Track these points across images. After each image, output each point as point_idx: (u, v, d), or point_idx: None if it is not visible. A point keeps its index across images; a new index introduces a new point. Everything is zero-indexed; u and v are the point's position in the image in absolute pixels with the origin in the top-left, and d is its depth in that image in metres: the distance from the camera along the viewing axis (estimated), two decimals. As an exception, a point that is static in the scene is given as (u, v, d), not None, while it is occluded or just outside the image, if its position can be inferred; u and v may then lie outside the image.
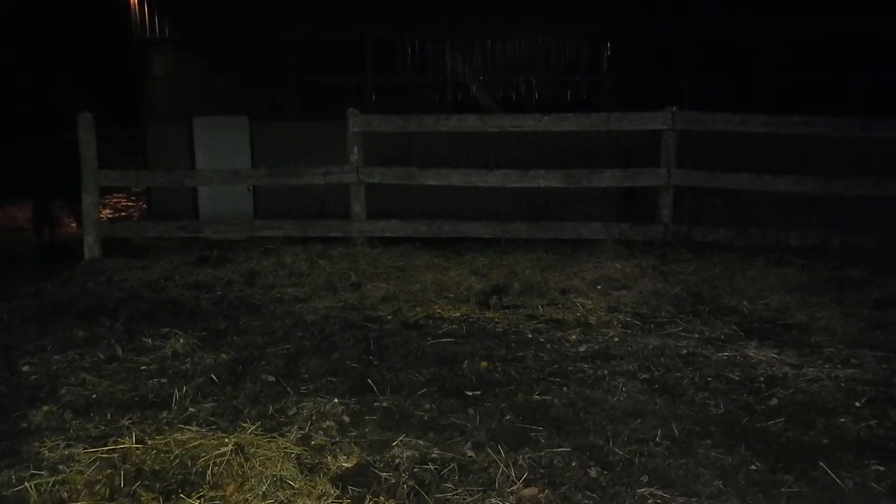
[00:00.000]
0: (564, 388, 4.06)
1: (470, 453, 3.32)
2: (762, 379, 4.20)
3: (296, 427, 3.55)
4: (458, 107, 11.50)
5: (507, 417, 3.69)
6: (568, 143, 9.26)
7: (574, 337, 4.92)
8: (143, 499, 2.96)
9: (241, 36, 11.62)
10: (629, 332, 5.04)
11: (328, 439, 3.44)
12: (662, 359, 4.52)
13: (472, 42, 11.71)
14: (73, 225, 10.46)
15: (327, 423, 3.61)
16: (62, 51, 19.77)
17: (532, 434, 3.51)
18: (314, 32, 11.57)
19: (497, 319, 5.32)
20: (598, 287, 6.13)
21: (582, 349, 4.72)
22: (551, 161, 8.01)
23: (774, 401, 3.91)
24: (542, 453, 3.31)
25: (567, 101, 11.79)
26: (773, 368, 4.35)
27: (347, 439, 3.44)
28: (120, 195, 14.89)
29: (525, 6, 11.47)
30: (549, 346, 4.77)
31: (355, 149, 7.79)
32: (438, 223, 7.87)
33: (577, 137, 8.59)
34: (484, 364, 4.41)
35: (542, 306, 5.64)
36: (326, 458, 3.27)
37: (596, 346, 4.75)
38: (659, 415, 3.73)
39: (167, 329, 5.06)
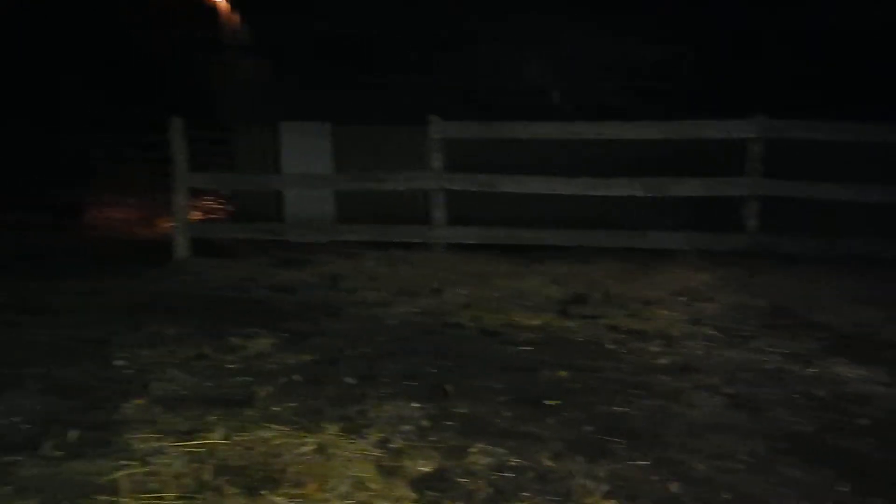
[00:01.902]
0: (645, 401, 4.00)
1: (548, 462, 3.30)
2: (851, 397, 4.07)
3: (375, 430, 3.59)
4: (537, 113, 11.45)
5: (586, 428, 3.66)
6: (650, 151, 9.11)
7: (655, 348, 4.85)
8: (227, 493, 3.04)
9: (324, 40, 11.82)
10: (712, 345, 4.94)
11: (407, 443, 3.47)
12: (746, 373, 4.41)
13: (552, 46, 11.65)
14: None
15: (406, 426, 3.64)
16: (152, 55, 20.48)
17: (611, 446, 3.47)
18: (397, 35, 11.68)
19: (576, 329, 5.29)
20: (681, 298, 6.03)
21: (663, 361, 4.65)
22: (632, 169, 7.90)
23: (864, 420, 3.78)
24: (620, 465, 3.27)
25: (649, 107, 11.60)
26: (863, 387, 4.20)
27: (426, 444, 3.46)
28: (208, 198, 15.31)
29: (608, 11, 11.34)
30: (629, 357, 4.72)
31: (436, 155, 7.85)
32: (518, 230, 7.86)
33: (660, 145, 8.45)
34: (563, 373, 4.39)
35: (622, 316, 5.58)
36: (405, 461, 3.30)
37: (678, 359, 4.67)
38: (742, 431, 3.65)
39: (252, 329, 5.19)
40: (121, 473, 3.16)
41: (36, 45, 15.41)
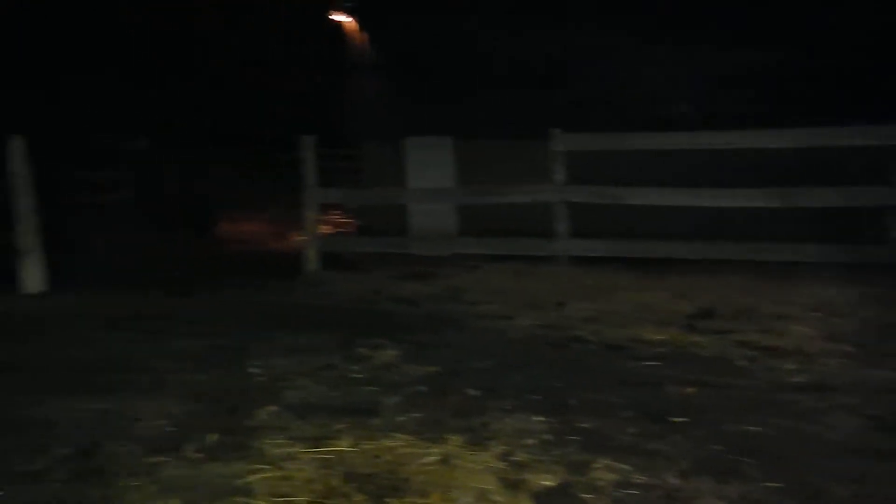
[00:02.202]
0: (778, 420, 3.85)
1: (674, 481, 3.22)
2: None
3: (498, 442, 3.61)
4: (661, 123, 11.23)
5: (716, 447, 3.56)
6: (780, 160, 8.77)
7: (789, 366, 4.66)
8: (354, 499, 3.12)
9: (446, 56, 12.00)
10: (851, 363, 4.70)
11: (530, 456, 3.47)
12: (888, 394, 4.17)
13: (677, 55, 11.41)
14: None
15: (529, 440, 3.64)
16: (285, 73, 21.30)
17: (741, 466, 3.36)
18: (517, 50, 11.73)
19: (704, 344, 5.14)
20: (815, 313, 5.77)
21: (798, 379, 4.45)
22: (762, 179, 7.62)
23: None
24: (752, 487, 3.16)
25: (780, 115, 11.16)
26: None
27: (549, 458, 3.45)
28: (337, 212, 15.81)
29: (738, 17, 11.01)
30: (761, 374, 4.55)
31: (558, 168, 7.83)
32: (642, 243, 7.73)
33: (792, 154, 8.13)
34: (690, 390, 4.28)
35: (753, 332, 5.39)
36: (528, 475, 3.30)
37: (813, 377, 4.47)
38: (882, 453, 3.45)
39: (378, 340, 5.32)
40: (255, 477, 3.31)
41: (176, 66, 16.30)
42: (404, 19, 12.23)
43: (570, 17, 11.31)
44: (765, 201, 7.35)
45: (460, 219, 11.62)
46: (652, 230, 8.26)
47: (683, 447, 3.55)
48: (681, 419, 3.87)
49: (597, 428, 3.79)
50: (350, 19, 12.66)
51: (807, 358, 4.82)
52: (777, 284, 6.58)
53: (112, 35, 15.56)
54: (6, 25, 14.30)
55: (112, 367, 4.94)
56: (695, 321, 5.72)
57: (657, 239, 7.79)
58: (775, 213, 7.69)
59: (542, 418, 3.88)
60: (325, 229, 13.47)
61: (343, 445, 3.59)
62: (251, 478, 3.31)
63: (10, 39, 14.05)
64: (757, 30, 10.81)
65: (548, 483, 3.23)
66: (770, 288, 6.49)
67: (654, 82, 11.25)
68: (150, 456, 3.55)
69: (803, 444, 3.56)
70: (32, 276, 7.30)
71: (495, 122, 11.72)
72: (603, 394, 4.26)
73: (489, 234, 8.87)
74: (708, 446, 3.56)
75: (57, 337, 5.72)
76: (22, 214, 7.36)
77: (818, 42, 10.60)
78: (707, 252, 7.52)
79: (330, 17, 12.87)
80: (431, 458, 3.41)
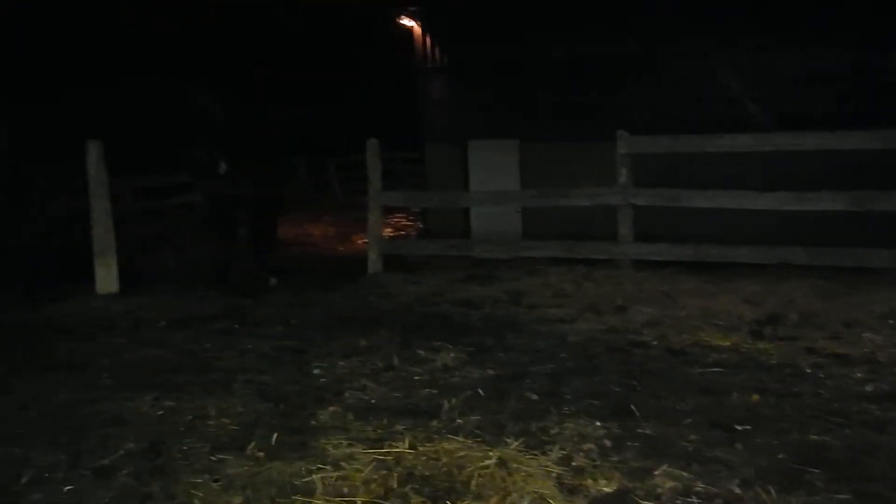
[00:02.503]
0: (846, 430, 3.74)
1: (737, 490, 3.16)
2: None
3: (557, 447, 3.59)
4: (727, 125, 11.02)
5: (780, 456, 3.48)
6: (851, 162, 8.51)
7: (859, 374, 4.52)
8: (412, 501, 3.15)
9: (510, 59, 11.99)
10: (926, 372, 4.54)
11: (588, 462, 3.45)
12: (966, 405, 4.02)
13: (744, 55, 11.17)
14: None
15: (588, 445, 3.62)
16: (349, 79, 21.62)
17: (807, 476, 3.28)
18: (581, 52, 11.65)
19: (770, 351, 5.03)
20: (890, 321, 5.58)
21: (868, 388, 4.32)
22: (831, 182, 7.39)
23: None
24: (818, 498, 3.08)
25: (851, 114, 10.83)
26: None
27: (608, 463, 3.43)
28: (400, 215, 15.93)
29: (807, 15, 10.74)
30: (829, 382, 4.43)
31: (623, 170, 7.75)
32: (706, 247, 7.59)
33: (863, 156, 7.87)
34: (755, 397, 4.19)
35: (821, 339, 5.24)
36: (586, 480, 3.28)
37: (885, 387, 4.33)
38: (960, 468, 3.33)
39: (438, 342, 5.35)
40: (316, 476, 3.37)
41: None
42: (469, 23, 12.26)
43: (636, 19, 11.19)
44: (835, 205, 7.12)
45: (523, 221, 11.59)
46: (720, 235, 8.10)
47: (746, 455, 3.48)
48: (744, 427, 3.80)
49: (657, 434, 3.74)
50: (415, 24, 12.73)
51: (877, 366, 4.67)
52: (849, 291, 6.38)
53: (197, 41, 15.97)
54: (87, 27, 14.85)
55: (179, 367, 5.08)
56: (761, 327, 5.60)
57: (725, 244, 7.63)
58: (850, 217, 7.46)
59: (602, 423, 3.85)
60: (389, 231, 13.61)
61: (402, 447, 3.63)
62: (311, 477, 3.37)
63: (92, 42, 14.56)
64: (836, 29, 10.53)
65: (606, 489, 3.21)
66: (841, 294, 6.30)
67: (727, 83, 11.03)
68: (214, 454, 3.64)
69: (873, 455, 3.46)
70: (106, 277, 7.55)
71: (561, 125, 11.66)
72: (664, 399, 4.20)
73: (552, 236, 8.83)
74: (772, 455, 3.48)
75: (127, 336, 5.91)
76: (96, 217, 7.62)
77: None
78: (776, 257, 7.33)
79: (396, 21, 12.97)
80: (489, 462, 3.42)
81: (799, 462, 3.40)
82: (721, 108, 10.99)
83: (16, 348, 5.64)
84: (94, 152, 7.53)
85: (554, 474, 3.33)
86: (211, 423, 4.04)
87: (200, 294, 7.36)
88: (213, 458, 3.60)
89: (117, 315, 6.60)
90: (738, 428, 3.79)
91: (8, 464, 3.58)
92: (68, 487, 3.36)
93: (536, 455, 3.51)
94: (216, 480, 3.38)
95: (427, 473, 3.38)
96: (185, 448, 3.72)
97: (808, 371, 4.63)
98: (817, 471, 3.31)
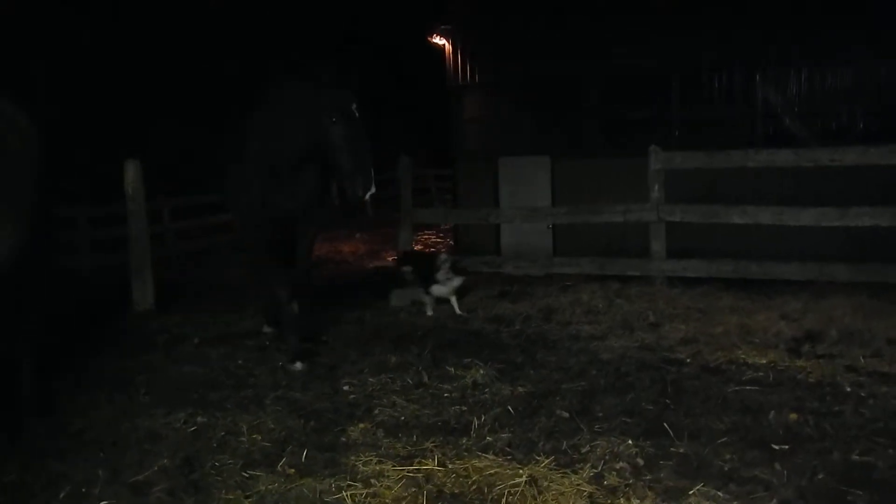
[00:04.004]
0: (890, 450, 3.64)
1: (775, 511, 3.09)
2: None
3: (589, 465, 3.54)
4: (768, 140, 10.87)
5: (820, 476, 3.39)
6: (892, 178, 8.32)
7: (902, 393, 4.41)
8: (443, 520, 3.12)
9: (543, 76, 11.97)
10: (971, 391, 4.41)
11: (621, 481, 3.39)
12: None
13: (785, 71, 11.04)
14: None
15: (620, 464, 3.56)
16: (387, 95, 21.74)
17: (849, 497, 3.19)
18: (616, 68, 11.60)
19: (809, 369, 4.93)
20: (933, 338, 5.45)
21: (911, 407, 4.21)
22: (874, 197, 7.23)
23: None
24: (859, 520, 3.00)
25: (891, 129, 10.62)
26: None
27: (641, 483, 3.37)
28: (430, 231, 15.91)
29: (849, 32, 10.59)
30: (871, 401, 4.32)
31: (656, 186, 7.67)
32: (744, 263, 7.46)
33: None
34: (793, 416, 4.10)
35: (863, 357, 5.13)
36: (619, 499, 3.23)
37: (929, 406, 4.22)
38: None
39: (468, 359, 5.31)
40: (346, 493, 3.35)
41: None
42: (500, 41, 12.28)
43: (669, 33, 11.12)
44: (879, 220, 6.94)
45: (554, 237, 11.53)
46: (757, 251, 7.96)
47: (785, 476, 3.40)
48: (782, 446, 3.72)
49: (692, 453, 3.67)
50: (447, 42, 12.77)
51: (921, 385, 4.55)
52: (893, 308, 6.25)
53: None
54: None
55: (214, 383, 5.10)
56: (799, 344, 5.49)
57: (762, 260, 7.49)
58: (893, 232, 7.29)
59: (635, 441, 3.79)
60: (420, 248, 13.60)
61: (432, 464, 3.60)
62: (341, 494, 3.35)
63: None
64: (876, 42, 10.36)
65: (640, 509, 3.15)
66: (884, 312, 6.16)
67: (769, 99, 10.89)
68: (246, 470, 3.64)
69: (917, 477, 3.36)
70: (143, 294, 7.61)
71: (594, 141, 11.60)
72: (699, 418, 4.13)
73: (584, 252, 8.76)
74: (812, 475, 3.40)
75: (163, 353, 5.94)
76: (134, 235, 7.69)
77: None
78: (815, 273, 7.18)
79: (428, 39, 13.01)
80: (520, 480, 3.38)
81: (841, 483, 3.32)
82: (768, 124, 10.85)
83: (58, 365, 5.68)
84: (131, 171, 7.60)
85: (586, 493, 3.28)
86: (243, 439, 4.05)
87: (234, 311, 7.36)
88: (245, 473, 3.60)
89: (155, 332, 6.63)
90: (776, 447, 3.71)
91: (48, 479, 3.62)
92: (104, 503, 3.38)
93: (568, 473, 3.47)
94: (248, 497, 3.38)
95: (457, 491, 3.35)
96: (217, 464, 3.73)
97: (849, 389, 4.52)
98: (860, 492, 3.23)
